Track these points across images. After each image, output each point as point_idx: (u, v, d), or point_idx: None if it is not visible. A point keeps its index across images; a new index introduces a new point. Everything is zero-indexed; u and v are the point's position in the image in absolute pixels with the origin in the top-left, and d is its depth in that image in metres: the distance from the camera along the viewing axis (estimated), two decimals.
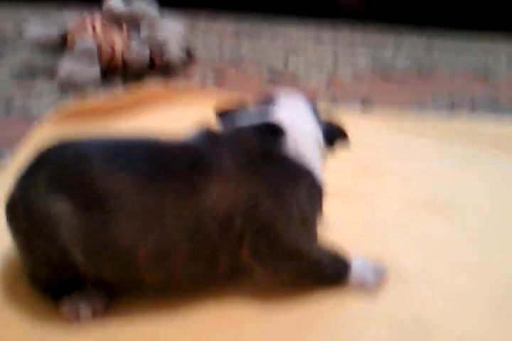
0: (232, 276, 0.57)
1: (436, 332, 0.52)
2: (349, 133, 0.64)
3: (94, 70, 1.28)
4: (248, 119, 0.59)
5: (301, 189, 0.55)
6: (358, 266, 0.58)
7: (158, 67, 1.43)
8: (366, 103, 1.28)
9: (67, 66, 1.26)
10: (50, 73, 1.34)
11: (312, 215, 0.56)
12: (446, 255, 0.65)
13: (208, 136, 0.56)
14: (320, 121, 0.63)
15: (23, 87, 1.28)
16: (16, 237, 0.54)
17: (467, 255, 0.66)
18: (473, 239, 0.69)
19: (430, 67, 1.66)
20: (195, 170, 0.51)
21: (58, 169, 0.52)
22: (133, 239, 0.50)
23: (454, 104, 1.31)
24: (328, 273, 0.57)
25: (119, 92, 1.23)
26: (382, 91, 1.40)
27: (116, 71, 1.35)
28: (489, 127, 1.11)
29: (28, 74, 1.38)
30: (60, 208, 0.49)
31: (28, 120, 1.07)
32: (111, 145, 0.53)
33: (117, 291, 0.56)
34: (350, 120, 1.10)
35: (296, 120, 0.59)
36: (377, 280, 0.59)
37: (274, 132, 0.57)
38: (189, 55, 1.46)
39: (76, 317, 0.53)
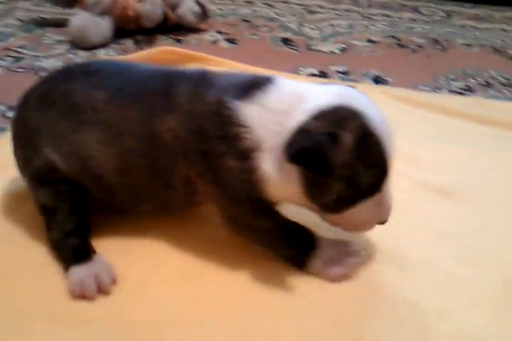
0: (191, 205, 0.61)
1: (436, 319, 0.53)
2: None
3: (107, 25, 1.25)
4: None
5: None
6: (320, 256, 0.56)
7: (171, 23, 1.40)
8: (380, 74, 1.26)
9: (78, 21, 1.23)
10: (61, 26, 1.31)
11: None
12: (451, 240, 0.65)
13: (197, 74, 0.58)
14: None
15: (32, 39, 1.26)
16: (16, 152, 0.62)
17: (472, 241, 0.66)
18: (481, 225, 0.69)
19: (446, 40, 1.62)
20: (159, 98, 0.56)
21: (48, 86, 0.61)
22: (98, 150, 0.56)
23: (468, 80, 1.29)
24: (282, 249, 0.57)
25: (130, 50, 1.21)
26: (396, 61, 1.38)
27: (128, 26, 1.32)
28: (504, 107, 1.10)
29: (38, 26, 1.35)
30: (44, 117, 0.58)
31: (38, 73, 1.06)
32: (98, 67, 0.61)
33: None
34: (362, 91, 1.13)
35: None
36: (345, 269, 0.57)
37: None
38: (203, 11, 1.42)
39: (80, 293, 0.53)
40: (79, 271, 0.54)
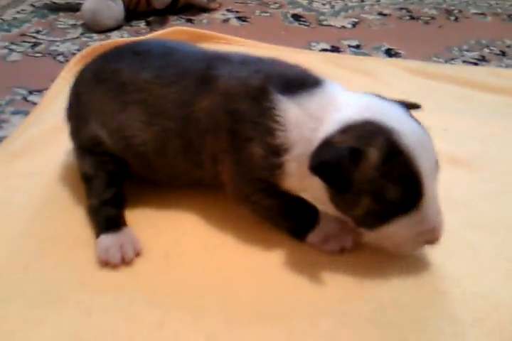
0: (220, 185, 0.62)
1: (452, 284, 0.55)
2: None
3: (118, 8, 1.26)
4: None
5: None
6: (319, 232, 0.58)
7: (181, 4, 1.40)
8: (392, 46, 1.26)
9: (91, 5, 1.24)
10: (74, 11, 1.33)
11: None
12: (464, 207, 0.67)
13: (240, 58, 0.60)
14: None
15: (46, 25, 1.27)
16: (68, 123, 0.66)
17: (485, 207, 0.67)
18: (493, 192, 0.70)
19: (459, 10, 1.60)
20: (198, 80, 0.58)
21: (100, 64, 0.65)
22: (140, 130, 0.59)
23: (482, 50, 1.28)
24: (284, 223, 0.59)
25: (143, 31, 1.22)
26: (408, 33, 1.37)
27: (139, 7, 1.33)
28: None
29: (52, 11, 1.37)
30: (95, 93, 0.62)
31: (56, 58, 1.08)
32: (146, 47, 0.64)
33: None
34: (375, 64, 1.13)
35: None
36: (342, 245, 0.58)
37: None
38: None
39: (106, 260, 0.55)
40: (107, 240, 0.57)
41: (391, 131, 0.50)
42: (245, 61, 0.60)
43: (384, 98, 0.56)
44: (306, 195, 0.59)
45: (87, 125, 0.62)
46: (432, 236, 0.53)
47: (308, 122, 0.54)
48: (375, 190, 0.50)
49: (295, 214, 0.58)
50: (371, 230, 0.54)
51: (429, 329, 0.50)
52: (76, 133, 0.65)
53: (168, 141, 0.59)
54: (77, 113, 0.64)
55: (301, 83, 0.56)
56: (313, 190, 0.55)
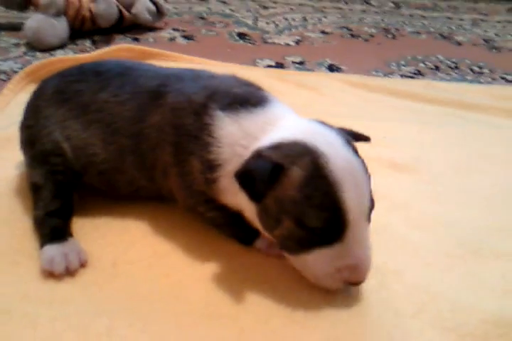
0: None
1: (393, 279, 0.57)
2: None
3: (62, 26, 1.25)
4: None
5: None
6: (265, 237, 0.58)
7: (127, 23, 1.41)
8: (334, 62, 1.31)
9: (33, 23, 1.23)
10: (17, 30, 1.31)
11: None
12: (404, 208, 0.70)
13: (192, 75, 0.63)
14: None
15: None
16: (24, 133, 0.66)
17: (425, 208, 0.70)
18: (432, 194, 0.74)
19: (396, 28, 1.68)
20: (150, 96, 0.60)
21: (62, 83, 0.65)
22: (101, 148, 0.61)
23: (418, 65, 1.35)
24: (230, 233, 0.61)
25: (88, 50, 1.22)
26: (349, 50, 1.43)
27: (84, 26, 1.33)
28: (451, 87, 1.16)
29: None
30: (57, 111, 0.63)
31: None
32: (107, 67, 0.66)
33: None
34: (318, 79, 1.17)
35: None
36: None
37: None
38: (158, 9, 1.44)
39: (50, 269, 0.54)
40: (52, 249, 0.56)
41: (319, 155, 0.49)
42: (197, 77, 0.62)
43: (328, 125, 0.55)
44: (242, 212, 0.58)
45: (47, 136, 0.62)
46: (353, 275, 0.51)
47: (242, 140, 0.54)
48: (296, 213, 0.49)
49: (240, 225, 0.60)
50: (291, 255, 0.53)
51: (373, 323, 0.52)
52: (32, 142, 0.64)
53: (125, 158, 0.61)
54: (36, 124, 0.64)
55: (244, 101, 0.56)
56: (244, 207, 0.56)
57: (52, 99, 0.64)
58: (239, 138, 0.54)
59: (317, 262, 0.51)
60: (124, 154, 0.61)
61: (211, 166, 0.55)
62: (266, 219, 0.52)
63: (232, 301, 0.53)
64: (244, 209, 0.56)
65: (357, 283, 0.52)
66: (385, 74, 1.26)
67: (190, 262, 0.58)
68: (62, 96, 0.64)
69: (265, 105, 0.56)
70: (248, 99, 0.57)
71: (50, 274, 0.54)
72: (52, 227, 0.59)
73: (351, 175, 0.49)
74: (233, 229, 0.61)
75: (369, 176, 0.52)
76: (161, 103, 0.59)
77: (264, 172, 0.48)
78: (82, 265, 0.56)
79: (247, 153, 0.53)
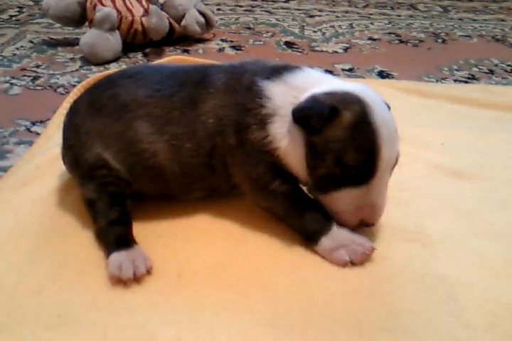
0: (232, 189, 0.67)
1: (464, 290, 0.55)
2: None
3: (115, 40, 1.29)
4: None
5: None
6: (332, 237, 0.59)
7: (177, 35, 1.44)
8: (384, 69, 1.29)
9: (88, 39, 1.27)
10: (72, 45, 1.36)
11: None
12: (470, 217, 0.68)
13: (228, 65, 0.67)
14: None
15: (46, 59, 1.30)
16: (67, 155, 0.67)
17: (490, 217, 0.68)
18: (497, 202, 0.71)
19: (446, 33, 1.65)
20: (198, 86, 0.64)
21: (93, 94, 0.67)
22: (150, 142, 0.62)
23: (471, 69, 1.32)
24: (298, 219, 0.61)
25: (141, 63, 1.25)
26: (399, 56, 1.41)
27: (136, 40, 1.37)
28: (508, 91, 1.12)
29: (50, 46, 1.40)
30: (94, 122, 0.64)
31: (55, 89, 1.10)
32: (136, 70, 0.69)
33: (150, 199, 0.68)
34: (370, 86, 1.16)
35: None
36: (355, 258, 0.58)
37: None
38: (207, 21, 1.46)
39: (118, 276, 0.56)
40: (119, 256, 0.57)
41: (367, 105, 0.56)
42: (231, 66, 0.67)
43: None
44: (297, 173, 0.61)
45: (89, 151, 0.63)
46: (369, 214, 0.58)
47: (291, 91, 0.60)
48: (339, 151, 0.55)
49: (310, 209, 0.60)
50: (323, 193, 0.59)
51: (443, 336, 0.50)
52: (76, 161, 0.65)
53: (180, 147, 0.63)
54: (76, 143, 0.65)
55: (284, 68, 0.63)
56: (296, 152, 0.59)
57: (87, 113, 0.65)
58: (289, 91, 0.60)
59: (344, 199, 0.58)
60: (179, 143, 0.62)
61: (265, 121, 0.60)
62: (311, 159, 0.58)
63: (298, 312, 0.52)
64: (297, 161, 0.59)
65: (370, 223, 0.59)
66: (438, 80, 1.23)
67: (253, 272, 0.58)
68: (97, 106, 0.65)
69: (303, 69, 0.63)
70: (287, 66, 0.64)
71: (118, 280, 0.55)
72: (117, 235, 0.60)
73: (389, 130, 0.56)
74: (304, 213, 0.60)
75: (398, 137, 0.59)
76: (211, 91, 0.63)
77: (322, 111, 0.55)
78: (148, 271, 0.57)
79: (298, 100, 0.59)
